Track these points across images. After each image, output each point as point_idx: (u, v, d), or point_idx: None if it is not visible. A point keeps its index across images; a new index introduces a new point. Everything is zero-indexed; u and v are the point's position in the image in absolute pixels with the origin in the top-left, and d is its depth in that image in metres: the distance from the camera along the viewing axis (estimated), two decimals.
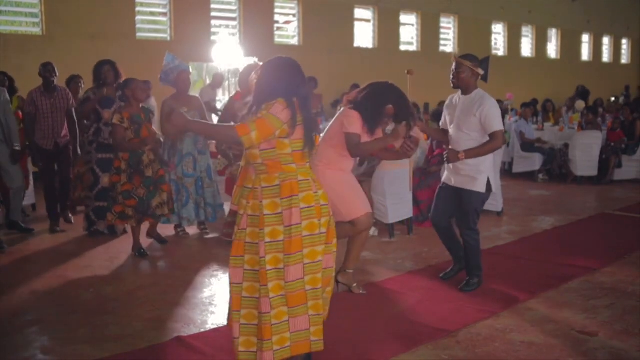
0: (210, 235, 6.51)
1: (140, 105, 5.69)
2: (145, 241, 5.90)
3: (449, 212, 4.83)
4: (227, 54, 11.40)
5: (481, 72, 4.59)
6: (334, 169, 4.41)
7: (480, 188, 4.61)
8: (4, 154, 6.19)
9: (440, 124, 4.98)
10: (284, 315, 3.05)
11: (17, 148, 6.30)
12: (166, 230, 6.44)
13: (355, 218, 4.41)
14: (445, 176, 4.83)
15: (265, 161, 3.07)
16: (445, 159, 4.64)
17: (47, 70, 6.50)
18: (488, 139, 4.51)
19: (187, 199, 6.26)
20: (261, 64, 6.04)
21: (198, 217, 6.37)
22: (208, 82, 10.55)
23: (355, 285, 4.70)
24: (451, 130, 4.70)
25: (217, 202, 6.46)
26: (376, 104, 4.37)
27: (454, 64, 4.59)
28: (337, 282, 4.57)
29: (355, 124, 4.37)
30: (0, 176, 6.30)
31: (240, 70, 6.28)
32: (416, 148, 4.51)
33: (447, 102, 4.85)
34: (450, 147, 4.70)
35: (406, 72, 4.80)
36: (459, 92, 4.69)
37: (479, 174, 4.58)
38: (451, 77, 4.62)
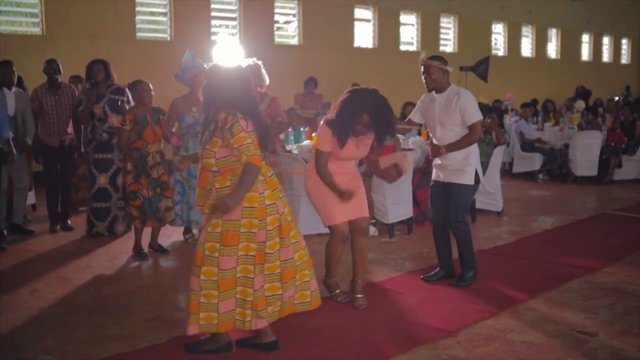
0: None
1: (151, 108, 5.66)
2: (146, 244, 5.88)
3: (445, 209, 4.83)
4: (227, 53, 11.36)
5: (450, 68, 4.64)
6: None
7: (469, 180, 4.67)
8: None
9: (410, 115, 5.01)
10: (214, 298, 3.48)
11: (28, 141, 6.49)
12: (168, 232, 6.43)
13: (331, 225, 4.38)
14: (434, 174, 4.87)
15: (220, 167, 3.48)
16: (430, 155, 4.66)
17: (51, 68, 6.56)
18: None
19: (194, 201, 6.22)
20: (260, 63, 6.03)
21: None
22: None
23: (359, 296, 4.48)
24: (437, 130, 4.72)
25: None
26: (348, 113, 4.14)
27: (422, 68, 4.61)
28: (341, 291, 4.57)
29: (323, 140, 4.27)
30: (3, 177, 6.28)
31: None
32: (398, 178, 4.56)
33: (422, 98, 4.85)
34: (434, 143, 4.76)
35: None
36: (433, 92, 4.72)
37: (467, 167, 4.65)
38: (423, 80, 4.63)
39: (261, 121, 3.54)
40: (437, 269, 5.02)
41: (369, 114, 4.14)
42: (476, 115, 4.56)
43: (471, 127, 4.58)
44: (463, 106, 4.53)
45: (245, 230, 3.45)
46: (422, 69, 4.61)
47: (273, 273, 3.57)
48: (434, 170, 4.88)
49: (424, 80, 4.64)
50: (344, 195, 4.27)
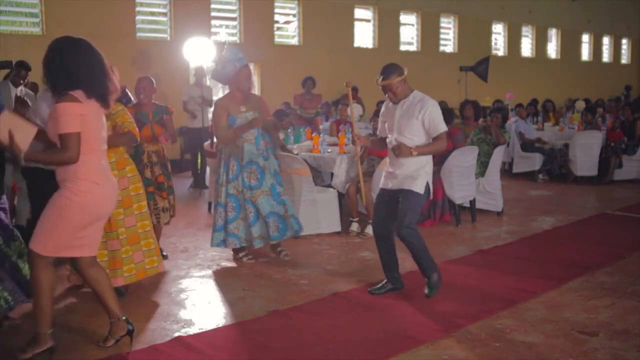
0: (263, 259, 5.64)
1: (156, 104, 5.55)
2: None
3: (390, 219, 4.59)
4: (200, 52, 11.18)
5: (405, 72, 4.40)
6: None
7: (419, 189, 4.42)
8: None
9: (378, 131, 4.79)
10: (129, 252, 4.50)
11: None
12: (212, 255, 6.41)
13: (53, 256, 3.49)
14: (382, 181, 4.64)
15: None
16: (394, 153, 4.39)
17: None
18: (428, 141, 4.43)
19: (255, 215, 5.36)
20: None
21: (282, 234, 5.48)
22: (208, 82, 10.57)
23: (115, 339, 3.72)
24: (392, 136, 4.52)
25: (289, 212, 5.51)
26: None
27: (383, 88, 4.42)
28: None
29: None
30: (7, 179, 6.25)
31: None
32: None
33: (382, 109, 4.67)
34: (390, 156, 4.54)
35: (345, 84, 4.75)
36: None
37: (419, 176, 4.43)
38: (388, 97, 4.47)
39: None
40: (384, 281, 4.74)
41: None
42: (442, 126, 4.36)
43: (437, 138, 4.38)
44: (428, 116, 4.33)
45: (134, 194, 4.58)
46: (384, 90, 4.42)
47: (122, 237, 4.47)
48: (382, 178, 4.65)
49: (388, 97, 4.46)
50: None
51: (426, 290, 4.54)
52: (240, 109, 5.38)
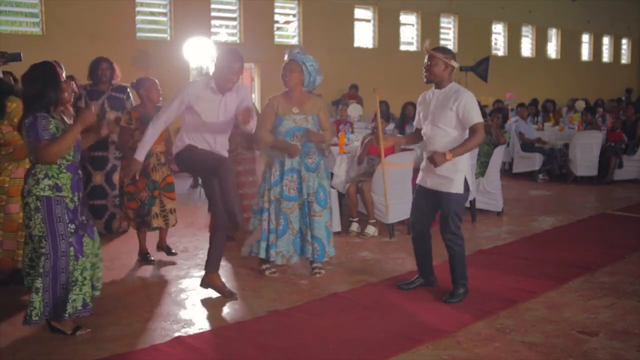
0: (318, 274, 5.16)
1: (156, 106, 5.46)
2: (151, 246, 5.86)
3: (427, 216, 4.61)
4: (200, 53, 11.19)
5: (455, 64, 4.37)
6: None
7: (458, 189, 4.36)
8: None
9: (414, 122, 4.75)
10: None
11: None
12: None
13: None
14: (420, 177, 4.58)
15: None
16: (430, 162, 4.31)
17: None
18: (462, 134, 4.33)
19: (284, 227, 4.98)
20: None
21: (303, 254, 5.08)
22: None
23: None
24: (425, 126, 4.47)
25: (328, 235, 5.10)
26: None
27: (426, 57, 4.41)
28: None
29: None
30: None
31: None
32: None
33: (419, 99, 4.63)
34: (425, 146, 4.50)
35: (373, 90, 4.66)
36: (432, 87, 4.48)
37: (455, 174, 4.33)
38: (424, 70, 4.42)
39: None
40: (416, 276, 4.78)
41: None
42: (477, 116, 4.25)
43: (473, 129, 4.26)
44: (463, 107, 4.25)
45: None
46: (425, 59, 4.43)
47: None
48: (420, 174, 4.59)
49: (424, 71, 4.43)
50: None
51: (446, 296, 4.51)
52: (293, 109, 4.91)
